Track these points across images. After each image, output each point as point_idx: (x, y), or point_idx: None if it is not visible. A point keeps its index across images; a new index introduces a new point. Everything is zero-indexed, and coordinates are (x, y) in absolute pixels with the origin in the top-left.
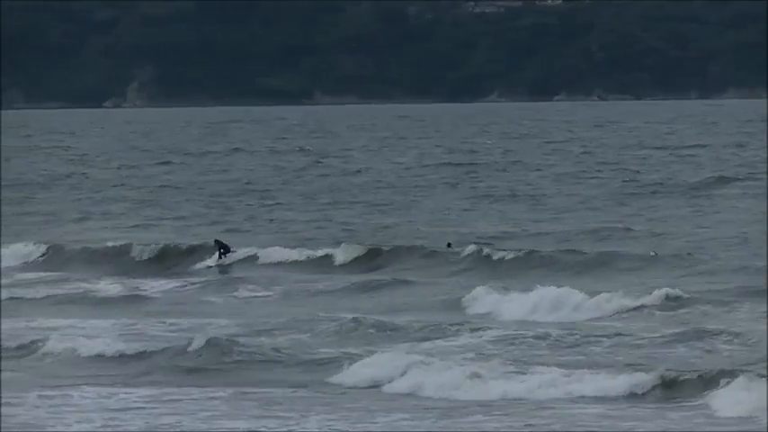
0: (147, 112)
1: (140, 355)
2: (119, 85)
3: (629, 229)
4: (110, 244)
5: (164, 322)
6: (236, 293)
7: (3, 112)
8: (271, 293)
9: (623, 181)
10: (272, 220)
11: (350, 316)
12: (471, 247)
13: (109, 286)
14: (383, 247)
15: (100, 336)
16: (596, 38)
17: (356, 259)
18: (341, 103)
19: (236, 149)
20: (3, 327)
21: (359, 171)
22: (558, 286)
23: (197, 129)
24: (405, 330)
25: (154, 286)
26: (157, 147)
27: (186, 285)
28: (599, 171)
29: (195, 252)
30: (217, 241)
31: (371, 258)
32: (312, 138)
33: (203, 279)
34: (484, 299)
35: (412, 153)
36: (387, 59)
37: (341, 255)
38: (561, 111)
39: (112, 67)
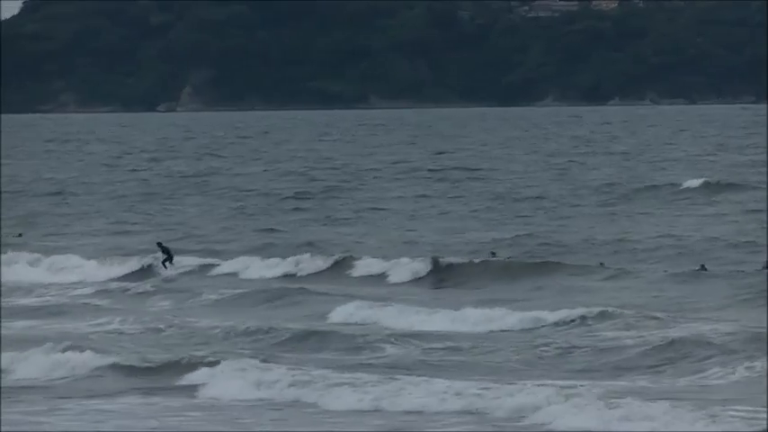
0: (200, 116)
1: None
2: (172, 89)
3: None
4: None
5: None
6: None
7: (54, 116)
8: None
9: None
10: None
11: None
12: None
13: None
14: None
15: None
16: (650, 42)
17: None
18: (396, 108)
19: None
20: None
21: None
22: None
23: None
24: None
25: None
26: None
27: None
28: None
29: None
30: (159, 245)
31: None
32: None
33: None
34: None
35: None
36: (440, 63)
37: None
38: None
39: (166, 71)
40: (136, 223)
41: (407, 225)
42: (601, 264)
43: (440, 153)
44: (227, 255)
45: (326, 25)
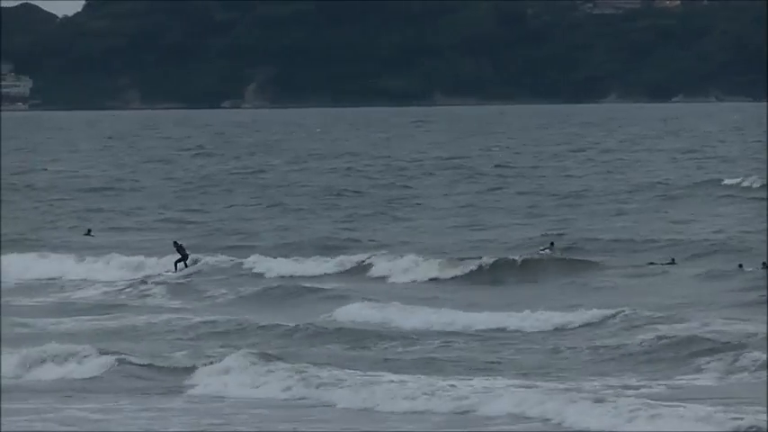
0: (264, 113)
1: None
2: (237, 86)
3: None
4: None
5: None
6: None
7: (120, 112)
8: None
9: None
10: None
11: None
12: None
13: None
14: None
15: None
16: (714, 39)
17: None
18: (460, 104)
19: None
20: None
21: None
22: None
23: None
24: None
25: None
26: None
27: None
28: None
29: None
30: (175, 243)
31: None
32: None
33: None
34: None
35: None
36: (504, 61)
37: None
38: None
39: (231, 68)
40: (182, 221)
41: (452, 222)
42: (651, 263)
43: (486, 149)
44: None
45: (392, 22)
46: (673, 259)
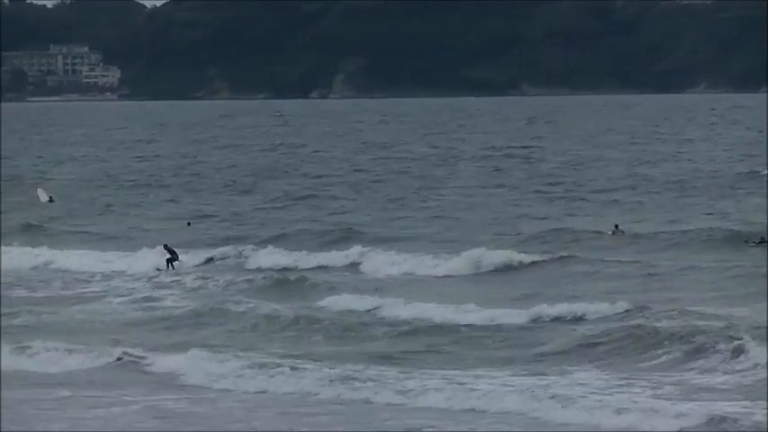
0: (351, 103)
1: None
2: (325, 76)
3: None
4: None
5: None
6: None
7: (207, 102)
8: None
9: None
10: None
11: None
12: None
13: None
14: None
15: None
16: None
17: None
18: (548, 95)
19: None
20: None
21: None
22: None
23: None
24: None
25: None
26: None
27: None
28: None
29: None
30: (165, 246)
31: None
32: None
33: None
34: None
35: None
36: (592, 51)
37: None
38: None
39: (318, 58)
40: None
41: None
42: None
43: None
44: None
45: (481, 13)
46: (762, 238)
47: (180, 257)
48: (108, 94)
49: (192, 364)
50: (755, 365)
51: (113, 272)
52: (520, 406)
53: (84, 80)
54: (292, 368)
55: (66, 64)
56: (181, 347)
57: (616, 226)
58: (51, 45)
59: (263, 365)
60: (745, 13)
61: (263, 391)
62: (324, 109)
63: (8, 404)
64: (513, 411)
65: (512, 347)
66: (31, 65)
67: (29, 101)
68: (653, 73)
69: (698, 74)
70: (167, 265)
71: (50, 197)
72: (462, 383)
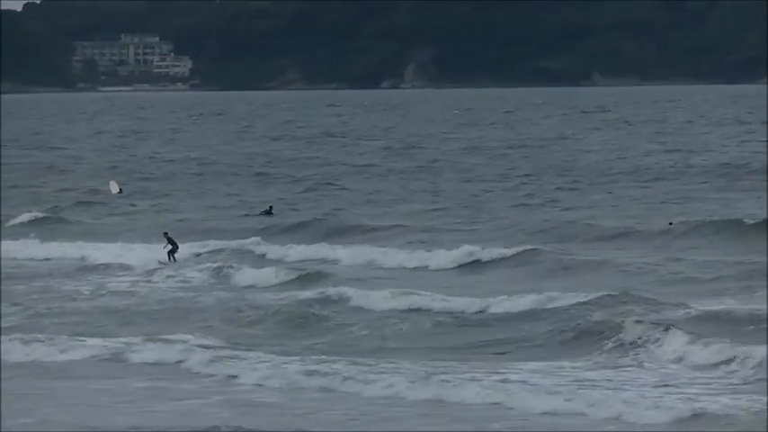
0: (422, 93)
1: None
2: (396, 66)
3: None
4: None
5: None
6: None
7: (277, 92)
8: None
9: None
10: None
11: None
12: None
13: None
14: None
15: None
16: None
17: None
18: (620, 85)
19: None
20: None
21: None
22: None
23: None
24: None
25: None
26: None
27: None
28: None
29: None
30: (166, 234)
31: None
32: None
33: None
34: None
35: None
36: (663, 42)
37: None
38: None
39: (390, 48)
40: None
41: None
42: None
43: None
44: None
45: (552, 2)
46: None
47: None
48: (179, 84)
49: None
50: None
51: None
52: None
53: (156, 70)
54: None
55: (138, 54)
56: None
57: (670, 223)
58: (123, 35)
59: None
60: None
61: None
62: (388, 99)
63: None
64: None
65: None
66: (103, 55)
67: (100, 90)
68: (724, 64)
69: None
70: (168, 258)
71: (120, 189)
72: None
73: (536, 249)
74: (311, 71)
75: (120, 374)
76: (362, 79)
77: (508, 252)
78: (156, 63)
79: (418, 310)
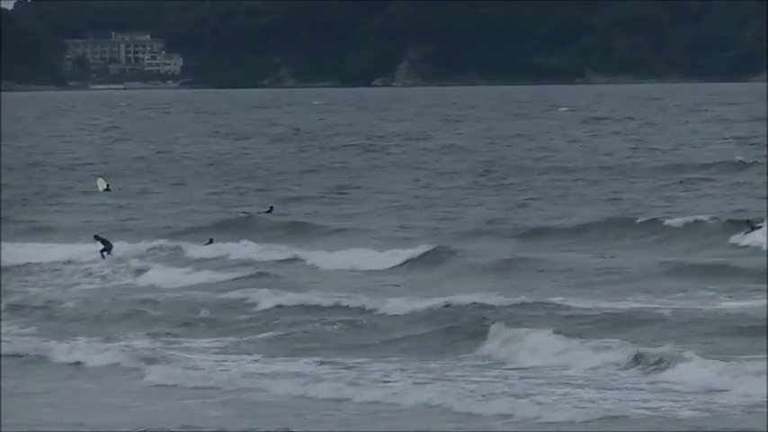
0: (412, 91)
1: None
2: (390, 64)
3: None
4: None
5: None
6: None
7: (270, 90)
8: None
9: None
10: None
11: None
12: None
13: None
14: None
15: None
16: None
17: None
18: (613, 83)
19: None
20: None
21: None
22: None
23: None
24: None
25: None
26: None
27: None
28: None
29: None
30: (96, 236)
31: None
32: None
33: None
34: None
35: None
36: (658, 40)
37: None
38: None
39: (385, 46)
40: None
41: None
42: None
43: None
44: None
45: (548, 1)
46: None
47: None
48: (170, 82)
49: None
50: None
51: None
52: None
53: (147, 68)
54: None
55: (129, 52)
56: None
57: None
58: (114, 33)
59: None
60: None
61: None
62: (375, 97)
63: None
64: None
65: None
66: (94, 53)
67: (91, 89)
68: (719, 62)
69: (762, 63)
70: (101, 256)
71: (108, 185)
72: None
73: (450, 249)
74: (304, 69)
75: None
76: (356, 77)
77: (415, 253)
78: (147, 61)
79: (310, 309)
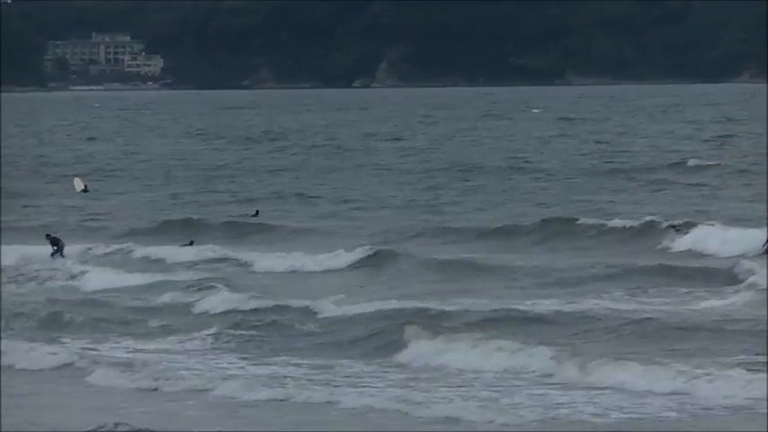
0: (397, 92)
1: None
2: (371, 65)
3: None
4: None
5: None
6: None
7: (251, 92)
8: None
9: None
10: None
11: None
12: None
13: None
14: None
15: None
16: None
17: None
18: (594, 84)
19: None
20: None
21: None
22: None
23: None
24: None
25: None
26: None
27: None
28: None
29: None
30: (48, 236)
31: None
32: None
33: None
34: None
35: None
36: (639, 41)
37: None
38: None
39: (366, 47)
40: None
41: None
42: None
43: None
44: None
45: (528, 2)
46: None
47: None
48: (150, 83)
49: None
50: None
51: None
52: None
53: (127, 69)
54: None
55: (109, 53)
56: None
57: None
58: (94, 34)
59: None
60: None
61: None
62: (350, 99)
63: None
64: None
65: None
66: (74, 54)
67: (72, 90)
68: (699, 63)
69: (743, 63)
70: (52, 256)
71: (85, 186)
72: None
73: (394, 251)
74: (285, 70)
75: None
76: (336, 78)
77: (354, 256)
78: (127, 62)
79: (246, 312)
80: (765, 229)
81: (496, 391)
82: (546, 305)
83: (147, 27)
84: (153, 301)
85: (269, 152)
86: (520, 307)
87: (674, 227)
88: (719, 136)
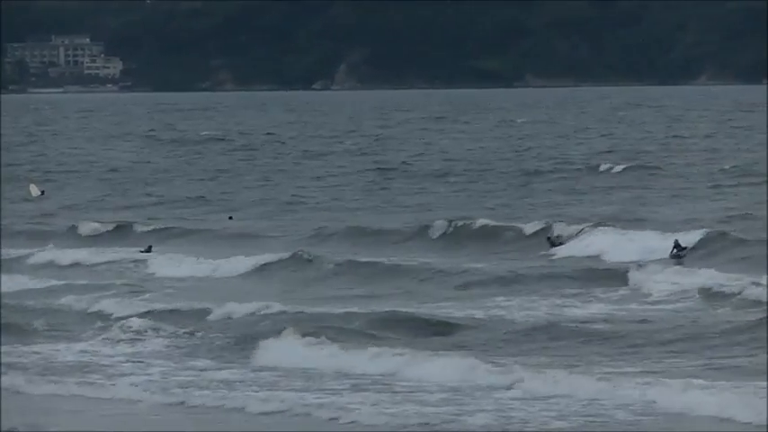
0: (350, 94)
1: None
2: (330, 67)
3: None
4: None
5: None
6: None
7: (209, 94)
8: None
9: None
10: None
11: None
12: None
13: None
14: None
15: None
16: None
17: None
18: (553, 86)
19: None
20: None
21: None
22: None
23: None
24: None
25: None
26: None
27: None
28: None
29: None
30: None
31: None
32: None
33: None
34: None
35: None
36: (597, 43)
37: None
38: None
39: (325, 49)
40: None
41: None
42: None
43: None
44: None
45: (486, 4)
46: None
47: None
48: (109, 85)
49: None
50: None
51: None
52: None
53: (86, 72)
54: None
55: (68, 56)
56: None
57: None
58: (53, 36)
59: None
60: (751, 4)
61: None
62: (305, 101)
63: None
64: None
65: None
66: (33, 56)
67: (30, 92)
68: (657, 65)
69: (700, 66)
70: None
71: (42, 191)
72: None
73: (306, 254)
74: (244, 72)
75: None
76: (296, 80)
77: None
78: (86, 65)
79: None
80: (669, 234)
81: (333, 393)
82: (437, 309)
83: (106, 29)
84: (50, 304)
85: (197, 154)
86: (409, 310)
87: (550, 237)
88: (666, 137)
